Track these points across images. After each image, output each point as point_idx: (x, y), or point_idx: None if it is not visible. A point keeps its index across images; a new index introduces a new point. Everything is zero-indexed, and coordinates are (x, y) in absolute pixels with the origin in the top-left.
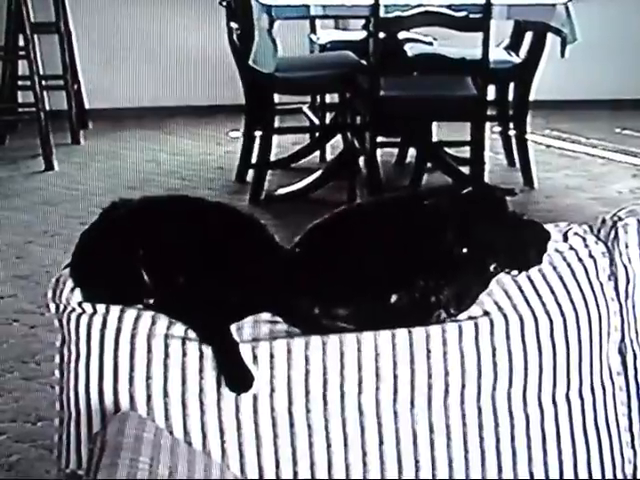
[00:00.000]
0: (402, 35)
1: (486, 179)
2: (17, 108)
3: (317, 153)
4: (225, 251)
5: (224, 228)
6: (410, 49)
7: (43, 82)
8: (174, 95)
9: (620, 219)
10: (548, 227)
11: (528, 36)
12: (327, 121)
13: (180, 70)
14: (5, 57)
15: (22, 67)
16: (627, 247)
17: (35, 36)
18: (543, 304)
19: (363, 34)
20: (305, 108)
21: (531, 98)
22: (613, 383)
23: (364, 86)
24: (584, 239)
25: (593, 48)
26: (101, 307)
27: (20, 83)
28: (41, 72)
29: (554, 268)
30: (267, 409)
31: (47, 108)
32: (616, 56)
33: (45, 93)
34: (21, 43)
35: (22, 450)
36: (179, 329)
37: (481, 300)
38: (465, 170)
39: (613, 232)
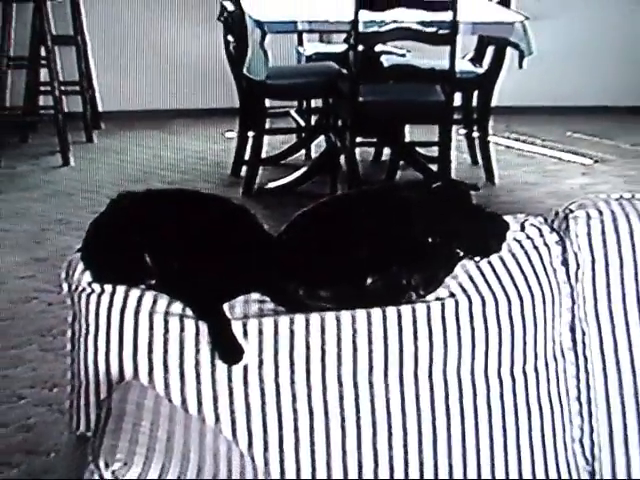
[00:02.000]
0: (379, 48)
1: (452, 175)
2: (38, 110)
3: (303, 151)
4: (219, 237)
5: (218, 217)
6: (386, 60)
7: (62, 87)
8: (176, 99)
9: (571, 211)
10: (507, 218)
11: (490, 50)
12: (312, 123)
13: (182, 77)
14: (29, 66)
15: (43, 74)
16: (577, 236)
17: (55, 47)
18: (502, 287)
19: (344, 47)
20: (292, 111)
21: (493, 104)
22: (564, 358)
23: (345, 92)
24: (539, 229)
25: (547, 60)
26: (108, 287)
27: (42, 88)
28: (60, 79)
29: (512, 255)
30: (256, 379)
31: (64, 110)
32: (567, 67)
33: (63, 97)
34: (43, 53)
35: (39, 414)
36: (177, 307)
37: (447, 283)
38: (434, 167)
39: (565, 223)
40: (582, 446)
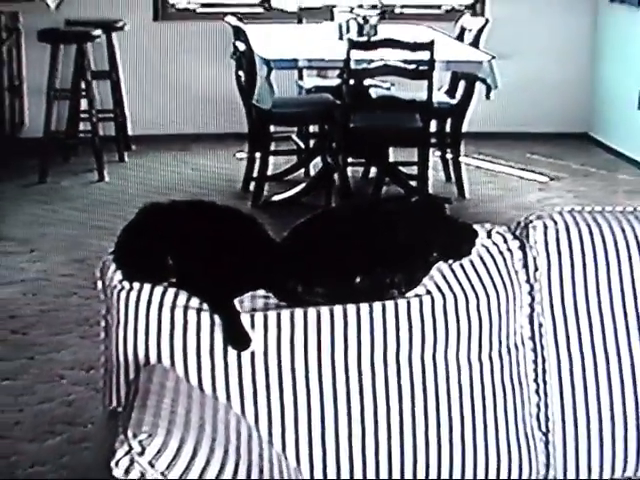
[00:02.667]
0: (367, 82)
1: (429, 191)
2: (78, 134)
3: (303, 170)
4: (231, 242)
5: (231, 225)
6: (373, 92)
7: (98, 115)
8: (195, 125)
9: (530, 222)
10: (476, 227)
11: (462, 83)
12: (310, 146)
13: (200, 106)
14: (71, 97)
15: (83, 104)
16: (535, 242)
17: (93, 81)
18: (472, 285)
19: (338, 81)
20: (294, 136)
21: (464, 130)
22: (524, 345)
23: (338, 119)
24: (503, 237)
25: (510, 93)
26: (136, 285)
27: (81, 116)
28: (97, 107)
29: (480, 258)
30: (262, 364)
31: (100, 134)
32: (527, 99)
33: (99, 123)
34: (83, 86)
35: (78, 391)
36: (195, 302)
37: (424, 282)
38: (414, 183)
39: (525, 231)
40: (538, 420)
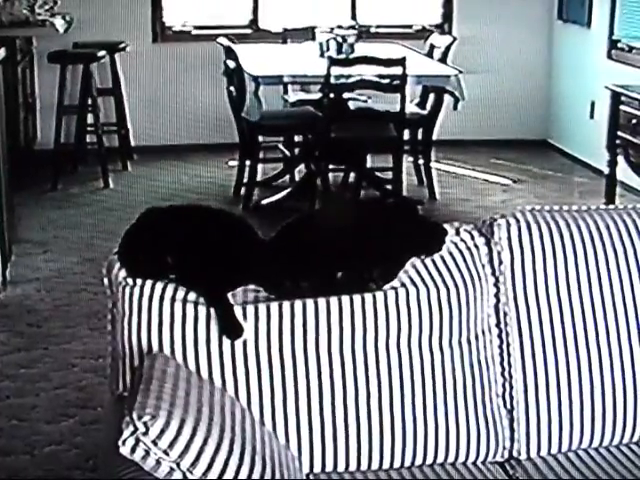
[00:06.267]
0: (346, 95)
1: (403, 193)
2: (85, 146)
3: (288, 176)
4: (224, 242)
5: (224, 226)
6: (352, 104)
7: (103, 128)
8: (191, 136)
9: (495, 220)
10: (446, 226)
11: (432, 96)
12: (295, 154)
13: (195, 119)
14: (79, 112)
15: (89, 118)
16: (500, 239)
17: (99, 98)
18: (442, 278)
19: (320, 95)
20: (280, 145)
21: (434, 138)
22: (490, 332)
23: (320, 130)
24: (471, 234)
25: (475, 104)
26: (139, 281)
27: (88, 129)
28: (102, 121)
29: (450, 254)
30: (253, 351)
31: (105, 145)
32: (491, 109)
33: (104, 135)
34: (89, 102)
35: (88, 378)
36: (192, 296)
37: (400, 276)
38: (389, 187)
39: (490, 229)
40: (504, 399)
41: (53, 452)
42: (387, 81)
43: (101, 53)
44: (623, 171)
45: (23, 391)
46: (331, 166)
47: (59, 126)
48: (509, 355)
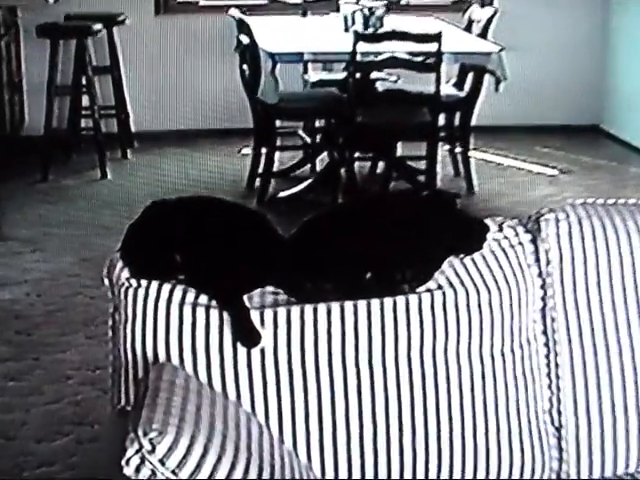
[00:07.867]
0: (374, 75)
1: (438, 186)
2: (80, 131)
3: (309, 165)
4: (239, 238)
5: (239, 221)
6: (380, 85)
7: (100, 111)
8: (199, 121)
9: (542, 215)
10: (487, 221)
11: (470, 76)
12: (317, 141)
13: (203, 101)
14: (72, 93)
15: (84, 100)
16: (547, 236)
17: (94, 77)
18: (483, 280)
19: (344, 74)
20: (300, 131)
21: (472, 123)
22: (536, 340)
23: (344, 114)
24: (515, 230)
25: (519, 85)
26: (144, 282)
27: (83, 112)
28: (98, 104)
29: (492, 252)
30: (271, 361)
31: (102, 131)
32: (537, 91)
33: (101, 120)
34: (84, 82)
35: (85, 391)
36: (204, 299)
37: (436, 277)
38: (422, 178)
39: (537, 225)
40: (551, 416)
41: (45, 474)
42: (420, 59)
43: (97, 26)
44: None
45: (11, 406)
46: (357, 155)
47: (50, 109)
48: (557, 366)
